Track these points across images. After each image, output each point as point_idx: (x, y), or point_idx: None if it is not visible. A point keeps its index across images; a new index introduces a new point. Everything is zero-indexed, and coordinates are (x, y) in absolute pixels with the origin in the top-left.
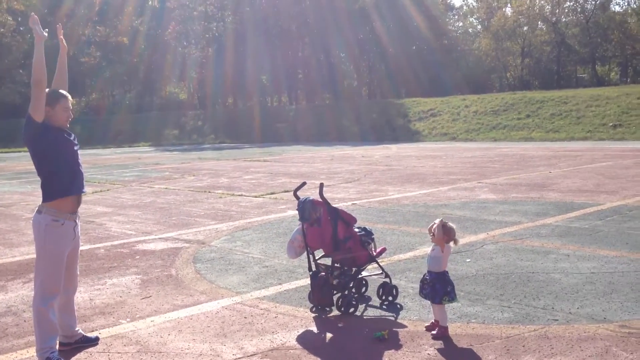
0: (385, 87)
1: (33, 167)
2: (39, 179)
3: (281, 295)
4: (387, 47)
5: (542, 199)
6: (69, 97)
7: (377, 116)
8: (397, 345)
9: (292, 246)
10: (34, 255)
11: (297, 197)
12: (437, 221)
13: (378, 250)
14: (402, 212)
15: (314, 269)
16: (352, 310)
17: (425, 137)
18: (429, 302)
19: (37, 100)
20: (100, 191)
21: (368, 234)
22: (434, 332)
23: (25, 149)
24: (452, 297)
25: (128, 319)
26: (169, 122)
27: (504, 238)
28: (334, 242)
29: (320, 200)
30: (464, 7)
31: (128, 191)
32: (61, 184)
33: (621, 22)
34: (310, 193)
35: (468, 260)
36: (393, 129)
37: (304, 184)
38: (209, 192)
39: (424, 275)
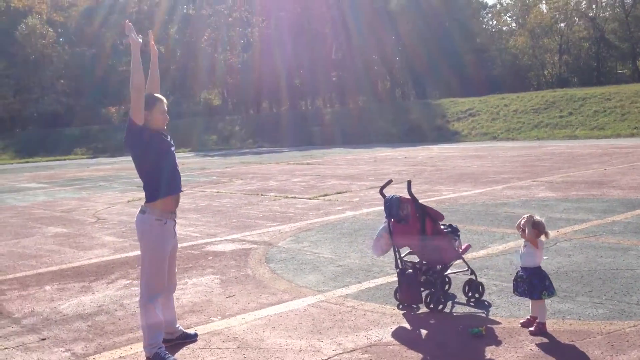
0: (418, 88)
1: (83, 173)
2: (101, 183)
3: (364, 294)
4: (420, 47)
5: (604, 196)
6: (165, 100)
7: (415, 117)
8: (496, 342)
9: (378, 244)
10: (109, 257)
11: (384, 195)
12: (526, 216)
13: (463, 247)
14: (462, 211)
15: (400, 266)
16: (440, 307)
17: (465, 137)
18: (517, 298)
19: (137, 104)
20: None
21: (454, 230)
22: (531, 328)
23: (72, 155)
24: (551, 292)
25: (219, 317)
26: (206, 128)
27: (576, 235)
28: (421, 239)
29: (405, 197)
30: (498, 5)
31: (181, 195)
32: (162, 184)
33: None
34: (358, 193)
35: (545, 257)
36: (432, 130)
37: (390, 181)
38: (262, 194)
39: (517, 273)
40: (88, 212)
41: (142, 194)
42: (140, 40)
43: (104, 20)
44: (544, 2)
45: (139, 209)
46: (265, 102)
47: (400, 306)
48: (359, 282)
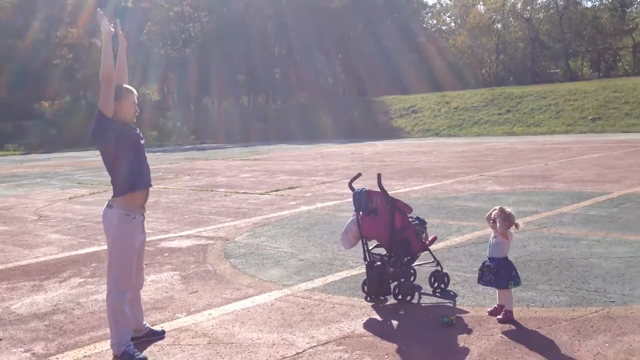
0: (360, 85)
1: (18, 170)
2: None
3: (330, 287)
4: (362, 45)
5: (549, 189)
6: (135, 91)
7: (358, 114)
8: (467, 330)
9: (346, 237)
10: (58, 255)
11: (352, 188)
12: (497, 209)
13: (430, 239)
14: (416, 205)
15: (368, 259)
16: (409, 298)
17: (408, 133)
18: (481, 288)
19: (107, 95)
20: (98, 192)
21: (422, 223)
22: (499, 316)
23: (3, 151)
24: (517, 282)
25: (184, 313)
26: (146, 124)
27: (528, 227)
28: (391, 232)
29: (375, 190)
30: (437, 5)
31: None
32: (131, 178)
33: (593, 17)
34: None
35: None
36: (375, 126)
37: (359, 175)
38: (212, 190)
39: (483, 263)
40: (28, 209)
41: (84, 191)
42: (112, 29)
43: (37, 12)
44: (481, 3)
45: (106, 203)
46: (206, 98)
47: (369, 298)
48: (324, 276)
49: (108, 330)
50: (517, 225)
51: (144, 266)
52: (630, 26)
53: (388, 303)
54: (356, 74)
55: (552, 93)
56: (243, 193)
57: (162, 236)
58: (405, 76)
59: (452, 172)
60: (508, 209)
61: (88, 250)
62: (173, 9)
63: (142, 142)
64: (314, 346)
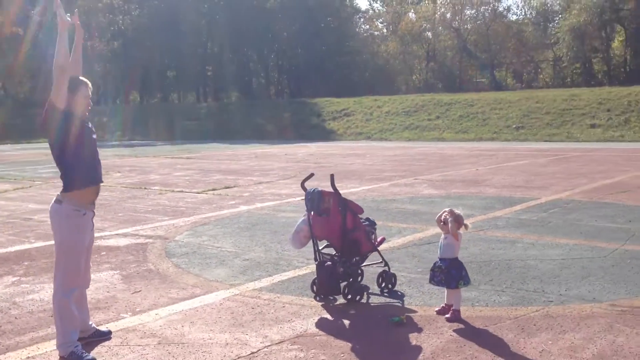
0: (293, 86)
1: None
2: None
3: (277, 287)
4: (296, 47)
5: (482, 194)
6: (89, 84)
7: (291, 115)
8: (418, 329)
9: (297, 237)
10: None
11: (305, 188)
12: (447, 210)
13: (379, 240)
14: None
15: (319, 259)
16: (358, 298)
17: (341, 136)
18: (427, 288)
19: (60, 86)
20: (22, 188)
21: (371, 224)
22: (447, 315)
23: None
24: (467, 281)
25: (129, 313)
26: None
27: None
28: (342, 232)
29: (327, 191)
30: (370, 11)
31: (52, 187)
32: (83, 173)
33: (518, 31)
34: (231, 189)
35: None
36: (308, 128)
37: (312, 175)
38: (146, 188)
39: (434, 264)
40: None
41: (7, 186)
42: (69, 19)
43: None
44: (412, 11)
45: (54, 198)
46: (134, 94)
47: (318, 298)
48: (270, 276)
49: (49, 330)
50: (466, 226)
51: (90, 265)
52: (552, 40)
53: (338, 303)
54: (289, 74)
55: (479, 101)
56: (179, 192)
57: (97, 234)
58: (338, 79)
59: (388, 175)
60: (457, 211)
61: (18, 248)
62: (102, 0)
63: (94, 136)
64: (268, 345)
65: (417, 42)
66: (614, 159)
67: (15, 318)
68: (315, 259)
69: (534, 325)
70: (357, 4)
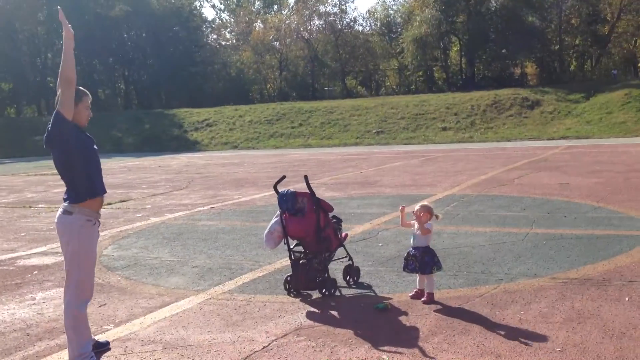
0: (143, 97)
1: None
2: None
3: (245, 288)
4: (143, 57)
5: (382, 194)
6: (89, 95)
7: (151, 127)
8: (403, 312)
9: (271, 237)
10: None
11: (277, 191)
12: (420, 204)
13: (343, 235)
14: (268, 211)
15: (293, 257)
16: (333, 290)
17: (206, 146)
18: (389, 277)
19: (69, 98)
20: None
21: (339, 221)
22: (423, 298)
23: None
24: (439, 267)
25: (112, 325)
26: None
27: (388, 225)
28: (317, 230)
29: (301, 191)
30: (217, 20)
31: None
32: (91, 183)
33: (365, 41)
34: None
35: (380, 244)
36: (171, 140)
37: (283, 177)
38: (30, 207)
39: (408, 253)
40: None
41: None
42: (72, 31)
43: None
44: (259, 21)
45: (62, 210)
46: None
47: (292, 294)
48: (231, 279)
49: (37, 349)
50: (437, 217)
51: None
52: (397, 50)
53: (314, 297)
54: (137, 85)
55: (338, 108)
56: None
57: (12, 255)
58: (192, 90)
59: None
60: (426, 203)
61: None
62: None
63: (96, 147)
64: (275, 339)
65: (269, 52)
66: (475, 157)
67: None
68: (290, 258)
69: (500, 299)
70: (204, 15)
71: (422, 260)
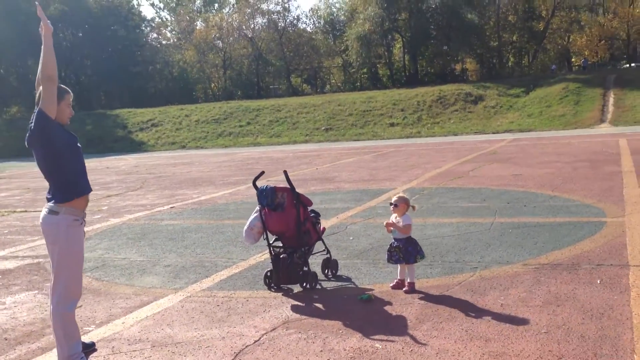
0: (82, 98)
1: None
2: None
3: (224, 285)
4: (81, 57)
5: (343, 189)
6: (71, 92)
7: (93, 128)
8: (388, 302)
9: (251, 233)
10: None
11: (256, 187)
12: (397, 196)
13: (321, 229)
14: (231, 209)
15: (273, 252)
16: (314, 284)
17: (153, 146)
18: (365, 270)
19: (51, 96)
20: None
21: (317, 215)
22: (405, 288)
23: None
24: (422, 255)
25: (93, 326)
26: None
27: (355, 219)
28: (297, 225)
29: (280, 187)
30: (157, 19)
31: None
32: (78, 182)
33: (309, 39)
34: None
35: (351, 238)
36: (115, 141)
37: (262, 173)
38: None
39: (391, 245)
40: None
41: None
42: (51, 27)
43: None
44: (200, 19)
45: (47, 210)
46: None
47: (273, 289)
48: (207, 277)
49: (19, 353)
50: (413, 207)
51: None
52: (342, 47)
53: (295, 291)
54: (76, 86)
55: (285, 106)
56: (22, 211)
57: None
58: (134, 90)
59: (236, 179)
60: (402, 194)
61: None
62: None
63: (79, 145)
64: (265, 333)
65: (212, 51)
66: (426, 152)
67: None
68: (271, 253)
69: (479, 286)
70: (143, 13)
71: (406, 251)
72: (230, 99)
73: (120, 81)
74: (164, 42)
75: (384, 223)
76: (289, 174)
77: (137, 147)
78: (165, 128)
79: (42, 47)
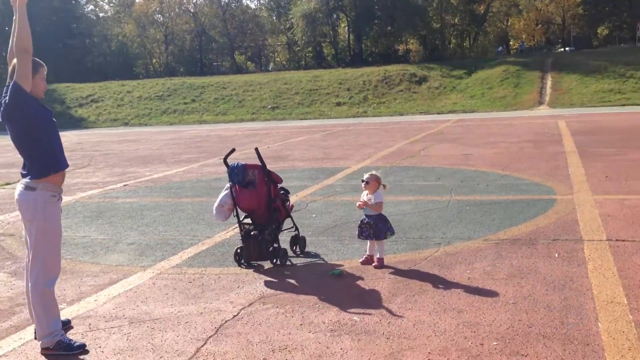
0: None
1: None
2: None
3: (193, 262)
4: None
5: (297, 167)
6: (45, 65)
7: None
8: (360, 278)
9: (221, 210)
10: None
11: (227, 164)
12: (369, 173)
13: (290, 206)
14: (187, 187)
15: (243, 229)
16: (284, 260)
17: (94, 123)
18: (332, 247)
19: (26, 68)
20: None
21: (286, 192)
22: (375, 263)
23: None
24: (392, 231)
25: (64, 304)
26: None
27: (315, 197)
28: (268, 202)
29: (251, 164)
30: None
31: None
32: (54, 157)
33: (254, 16)
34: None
35: (314, 215)
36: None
37: (233, 150)
38: None
39: (362, 221)
40: None
41: None
42: None
43: None
44: None
45: (23, 186)
46: None
47: (243, 265)
48: (174, 255)
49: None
50: (384, 186)
51: None
52: (287, 25)
53: (266, 268)
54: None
55: (231, 84)
56: None
57: None
58: (71, 63)
59: (188, 157)
60: (374, 172)
61: None
62: None
63: (54, 119)
64: (242, 308)
65: (153, 26)
66: (375, 131)
67: None
68: (241, 230)
69: (445, 261)
70: None
71: (376, 227)
72: (173, 76)
73: (56, 54)
74: (101, 14)
75: (357, 204)
76: (242, 152)
77: (76, 123)
78: (106, 104)
79: (16, 17)
